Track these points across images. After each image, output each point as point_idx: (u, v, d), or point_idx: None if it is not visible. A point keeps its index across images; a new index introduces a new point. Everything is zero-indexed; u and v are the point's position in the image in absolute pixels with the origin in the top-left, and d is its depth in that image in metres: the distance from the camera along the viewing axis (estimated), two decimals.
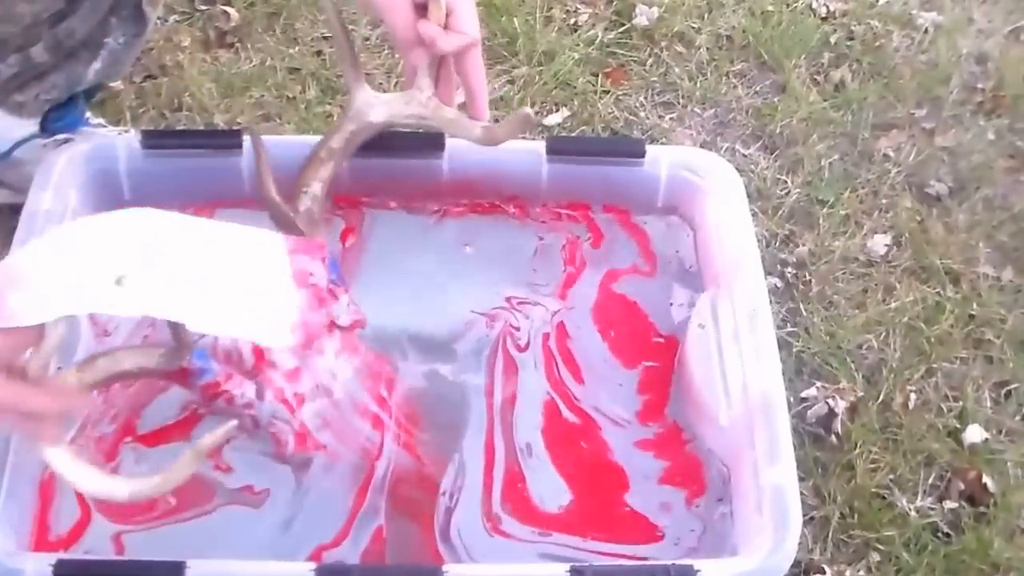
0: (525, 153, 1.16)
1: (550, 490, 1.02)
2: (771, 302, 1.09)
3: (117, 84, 1.47)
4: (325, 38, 1.58)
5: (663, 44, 1.62)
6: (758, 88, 1.59)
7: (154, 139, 1.13)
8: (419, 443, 1.02)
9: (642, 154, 1.14)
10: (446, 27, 0.96)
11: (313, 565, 0.88)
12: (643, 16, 1.64)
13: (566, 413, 1.06)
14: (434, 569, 0.90)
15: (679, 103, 1.57)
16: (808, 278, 1.39)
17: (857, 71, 1.62)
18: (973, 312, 1.37)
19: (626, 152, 1.16)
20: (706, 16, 1.66)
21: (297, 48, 1.57)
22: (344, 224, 1.16)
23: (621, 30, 1.63)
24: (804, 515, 1.09)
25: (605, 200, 1.18)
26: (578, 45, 1.60)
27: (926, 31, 1.67)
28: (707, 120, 1.56)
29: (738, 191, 1.12)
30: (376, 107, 1.02)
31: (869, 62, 1.63)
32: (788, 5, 1.68)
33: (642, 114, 1.54)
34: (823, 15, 1.68)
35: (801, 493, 0.94)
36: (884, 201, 1.47)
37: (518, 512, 1.00)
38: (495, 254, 1.16)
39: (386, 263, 1.13)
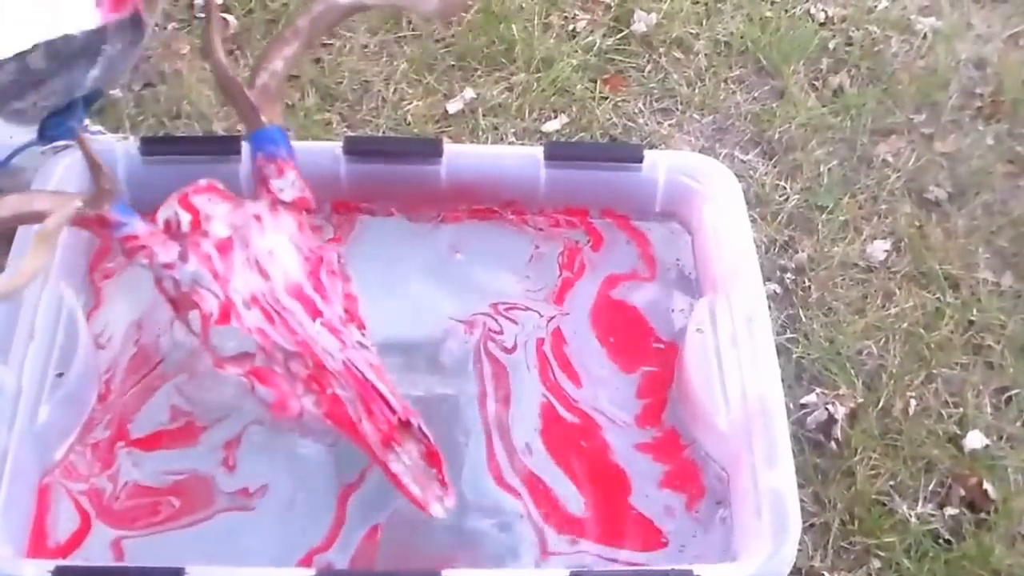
0: (523, 158, 1.16)
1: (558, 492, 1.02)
2: (770, 308, 1.09)
3: (116, 92, 1.47)
4: (324, 45, 1.58)
5: (661, 50, 1.62)
6: (757, 94, 1.59)
7: (153, 146, 1.14)
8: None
9: (640, 159, 1.15)
10: None
11: (313, 572, 0.88)
12: (641, 22, 1.64)
13: (564, 413, 1.06)
14: (433, 572, 0.90)
15: (678, 109, 1.57)
16: (807, 284, 1.38)
17: (856, 77, 1.62)
18: (973, 318, 1.36)
19: (624, 157, 1.17)
20: (704, 22, 1.66)
21: None
22: (333, 232, 1.15)
23: (619, 36, 1.63)
24: (804, 522, 1.09)
25: (603, 205, 1.18)
26: (576, 51, 1.60)
27: (925, 36, 1.67)
28: (706, 126, 1.55)
29: (737, 196, 1.12)
30: None
31: (868, 68, 1.63)
32: (786, 11, 1.68)
33: (641, 120, 1.54)
34: (821, 21, 1.68)
35: (801, 500, 0.94)
36: (883, 207, 1.47)
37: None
38: (487, 260, 1.15)
39: (372, 270, 1.12)
